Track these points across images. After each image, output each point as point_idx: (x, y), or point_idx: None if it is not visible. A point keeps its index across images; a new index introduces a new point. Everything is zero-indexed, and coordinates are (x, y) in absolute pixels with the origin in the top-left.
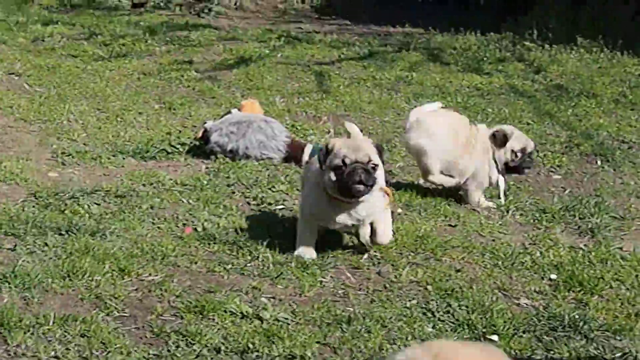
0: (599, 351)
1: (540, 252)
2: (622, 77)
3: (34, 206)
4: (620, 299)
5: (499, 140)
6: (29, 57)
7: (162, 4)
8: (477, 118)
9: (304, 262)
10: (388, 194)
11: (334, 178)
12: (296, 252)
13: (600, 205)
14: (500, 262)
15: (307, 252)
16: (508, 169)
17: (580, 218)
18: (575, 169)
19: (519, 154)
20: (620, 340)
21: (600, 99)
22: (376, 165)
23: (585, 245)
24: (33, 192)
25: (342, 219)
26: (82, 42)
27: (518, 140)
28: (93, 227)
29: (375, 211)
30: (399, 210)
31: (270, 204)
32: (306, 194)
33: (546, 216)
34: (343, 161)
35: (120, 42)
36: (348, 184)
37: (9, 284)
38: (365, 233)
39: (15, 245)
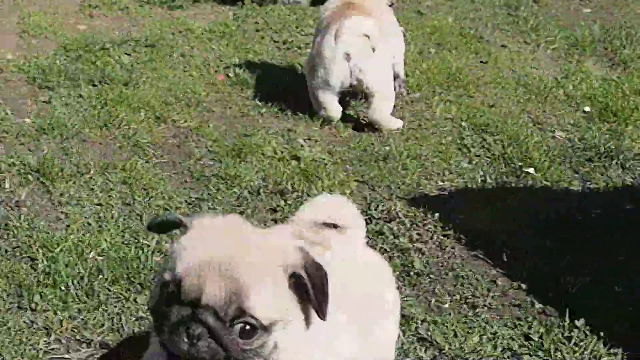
0: (635, 179)
1: (573, 85)
2: None
3: (65, 58)
4: None
5: None
6: None
7: None
8: None
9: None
10: None
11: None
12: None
13: (632, 36)
14: (533, 96)
15: (332, 110)
16: None
17: (611, 50)
18: (605, 1)
19: None
20: None
21: None
22: None
23: (617, 76)
24: (63, 45)
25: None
26: None
27: None
28: (126, 76)
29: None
30: (431, 50)
31: (299, 47)
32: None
33: (577, 49)
34: None
35: None
36: None
37: (47, 135)
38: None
39: (50, 98)
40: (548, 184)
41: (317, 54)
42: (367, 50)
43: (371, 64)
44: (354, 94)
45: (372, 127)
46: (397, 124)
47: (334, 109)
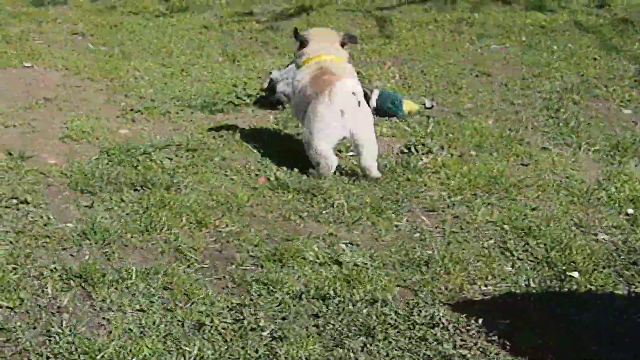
0: None
1: (616, 187)
2: None
3: (107, 163)
4: None
5: None
6: (91, 16)
7: None
8: (542, 56)
9: (379, 207)
10: None
11: None
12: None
13: None
14: (575, 199)
15: (331, 160)
16: None
17: None
18: None
19: None
20: None
21: None
22: None
23: None
24: (105, 150)
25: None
26: None
27: None
28: (167, 181)
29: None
30: (472, 153)
31: (340, 151)
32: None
33: (619, 151)
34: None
35: None
36: None
37: (90, 240)
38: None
39: (92, 202)
40: (592, 288)
41: (313, 114)
42: (355, 106)
43: (360, 117)
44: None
45: (363, 174)
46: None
47: (333, 159)
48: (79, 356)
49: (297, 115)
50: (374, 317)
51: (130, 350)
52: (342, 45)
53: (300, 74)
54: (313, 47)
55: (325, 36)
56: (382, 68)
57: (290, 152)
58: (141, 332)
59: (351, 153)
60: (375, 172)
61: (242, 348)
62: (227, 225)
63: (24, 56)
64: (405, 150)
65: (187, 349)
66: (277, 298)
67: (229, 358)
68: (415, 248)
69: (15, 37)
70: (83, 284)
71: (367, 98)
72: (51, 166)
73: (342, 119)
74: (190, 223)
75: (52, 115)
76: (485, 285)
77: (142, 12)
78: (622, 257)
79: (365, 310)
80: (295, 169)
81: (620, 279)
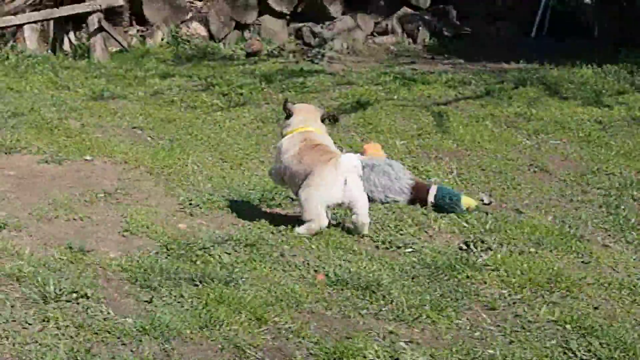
0: None
1: None
2: None
3: (166, 258)
4: None
5: None
6: (150, 110)
7: (275, 52)
8: (600, 152)
9: (438, 304)
10: None
11: None
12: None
13: None
14: (638, 298)
15: (324, 219)
16: None
17: None
18: None
19: None
20: None
21: None
22: None
23: None
24: (165, 244)
25: None
26: (199, 93)
27: None
28: (226, 276)
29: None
30: (531, 250)
31: (399, 247)
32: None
33: None
34: None
35: (238, 92)
36: None
37: (149, 335)
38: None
39: (152, 297)
40: None
41: (317, 180)
42: (356, 176)
43: (357, 185)
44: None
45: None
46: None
47: (325, 220)
48: None
49: (291, 181)
50: None
51: None
52: (322, 120)
53: (287, 142)
54: (298, 119)
55: (309, 110)
56: (439, 163)
57: (349, 249)
58: None
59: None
60: (367, 227)
61: None
62: (286, 322)
63: (84, 150)
64: (464, 247)
65: None
66: None
67: None
68: (476, 347)
69: (76, 131)
70: None
71: (425, 192)
72: (111, 260)
73: (343, 187)
74: (250, 319)
75: (112, 209)
76: None
77: (200, 107)
78: None
79: None
80: (354, 265)
81: None
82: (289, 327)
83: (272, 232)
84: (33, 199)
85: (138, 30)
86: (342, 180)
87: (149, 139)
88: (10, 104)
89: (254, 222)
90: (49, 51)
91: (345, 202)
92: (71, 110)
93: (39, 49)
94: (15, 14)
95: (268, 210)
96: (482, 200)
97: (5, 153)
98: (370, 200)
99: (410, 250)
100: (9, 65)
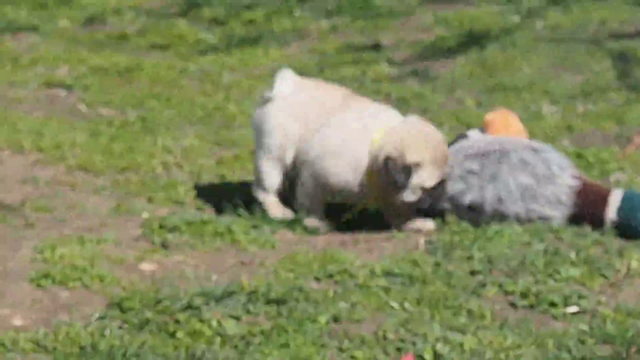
0: None
1: None
2: None
3: (120, 327)
4: None
5: None
6: (83, 53)
7: None
8: None
9: None
10: None
11: None
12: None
13: None
14: None
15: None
16: None
17: None
18: None
19: None
20: None
21: None
22: None
23: None
24: (117, 302)
25: None
26: (174, 19)
27: None
28: None
29: None
30: None
31: (553, 304)
32: None
33: None
34: None
35: (245, 18)
36: None
37: None
38: None
39: None
40: None
41: None
42: None
43: None
44: None
45: None
46: None
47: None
48: None
49: None
50: None
51: None
52: None
53: None
54: None
55: None
56: (625, 147)
57: (460, 308)
58: None
59: None
60: None
61: None
62: None
63: None
64: None
65: None
66: None
67: None
68: None
69: None
70: None
71: (601, 202)
72: (16, 332)
73: None
74: None
75: (16, 239)
76: None
77: (175, 46)
78: None
79: None
80: (470, 339)
81: None
82: None
83: (317, 277)
84: None
85: None
86: None
87: (81, 108)
88: None
89: (282, 259)
90: None
91: None
92: None
93: None
94: None
95: (305, 236)
96: None
97: None
98: (501, 216)
99: (574, 311)
100: None
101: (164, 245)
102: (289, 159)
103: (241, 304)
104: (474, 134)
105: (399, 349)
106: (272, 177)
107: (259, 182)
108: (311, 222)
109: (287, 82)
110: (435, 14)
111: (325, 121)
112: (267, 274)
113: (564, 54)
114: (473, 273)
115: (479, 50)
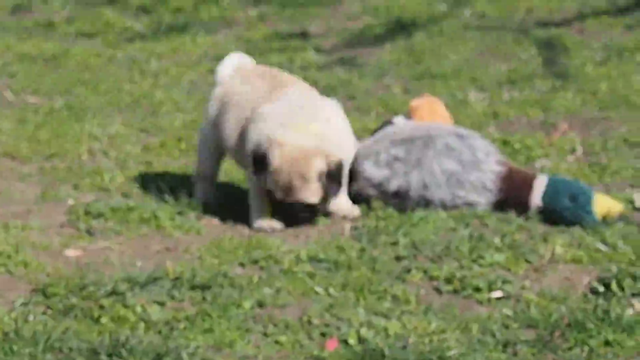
0: None
1: None
2: None
3: (44, 313)
4: None
5: None
6: (9, 40)
7: None
8: None
9: None
10: None
11: None
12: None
13: None
14: None
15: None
16: None
17: None
18: None
19: None
20: None
21: None
22: None
23: None
24: (41, 288)
25: None
26: (101, 7)
27: None
28: (157, 346)
29: None
30: None
31: (477, 289)
32: None
33: None
34: None
35: (173, 4)
36: None
37: None
38: None
39: None
40: None
41: None
42: None
43: None
44: None
45: None
46: None
47: None
48: None
49: None
50: None
51: None
52: None
53: None
54: None
55: None
56: (550, 134)
57: (385, 293)
58: None
59: None
60: None
61: None
62: None
63: None
64: (600, 289)
65: None
66: None
67: None
68: None
69: None
70: None
71: (526, 187)
72: None
73: None
74: None
75: None
76: None
77: (103, 33)
78: None
79: None
80: (394, 323)
81: None
82: None
83: (241, 263)
84: None
85: None
86: None
87: (8, 95)
88: None
89: (208, 244)
90: None
91: None
92: None
93: None
94: None
95: (233, 223)
96: (633, 203)
97: None
98: (426, 202)
99: (499, 296)
100: None
101: (89, 232)
102: (221, 148)
103: (166, 289)
104: (399, 121)
105: (323, 334)
106: (206, 165)
107: (196, 169)
108: (262, 223)
109: (226, 68)
110: (363, 2)
111: (250, 114)
112: (192, 259)
113: (491, 41)
114: (398, 258)
115: (406, 37)
